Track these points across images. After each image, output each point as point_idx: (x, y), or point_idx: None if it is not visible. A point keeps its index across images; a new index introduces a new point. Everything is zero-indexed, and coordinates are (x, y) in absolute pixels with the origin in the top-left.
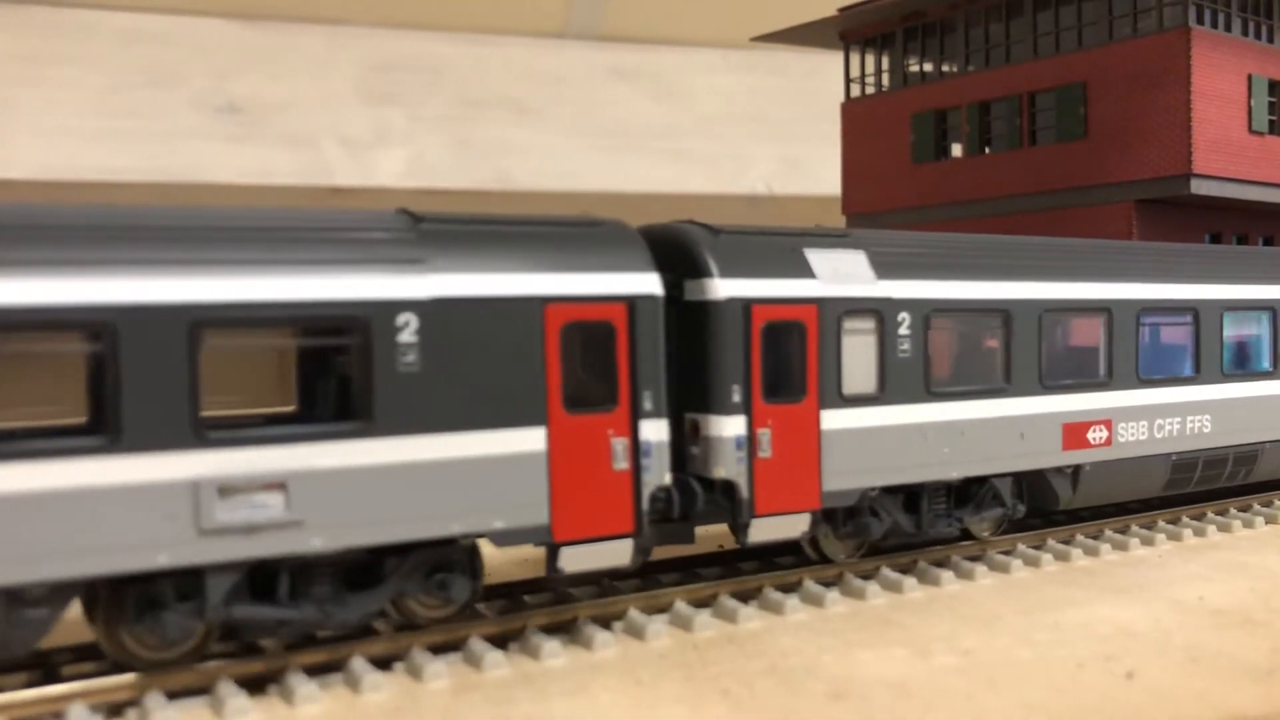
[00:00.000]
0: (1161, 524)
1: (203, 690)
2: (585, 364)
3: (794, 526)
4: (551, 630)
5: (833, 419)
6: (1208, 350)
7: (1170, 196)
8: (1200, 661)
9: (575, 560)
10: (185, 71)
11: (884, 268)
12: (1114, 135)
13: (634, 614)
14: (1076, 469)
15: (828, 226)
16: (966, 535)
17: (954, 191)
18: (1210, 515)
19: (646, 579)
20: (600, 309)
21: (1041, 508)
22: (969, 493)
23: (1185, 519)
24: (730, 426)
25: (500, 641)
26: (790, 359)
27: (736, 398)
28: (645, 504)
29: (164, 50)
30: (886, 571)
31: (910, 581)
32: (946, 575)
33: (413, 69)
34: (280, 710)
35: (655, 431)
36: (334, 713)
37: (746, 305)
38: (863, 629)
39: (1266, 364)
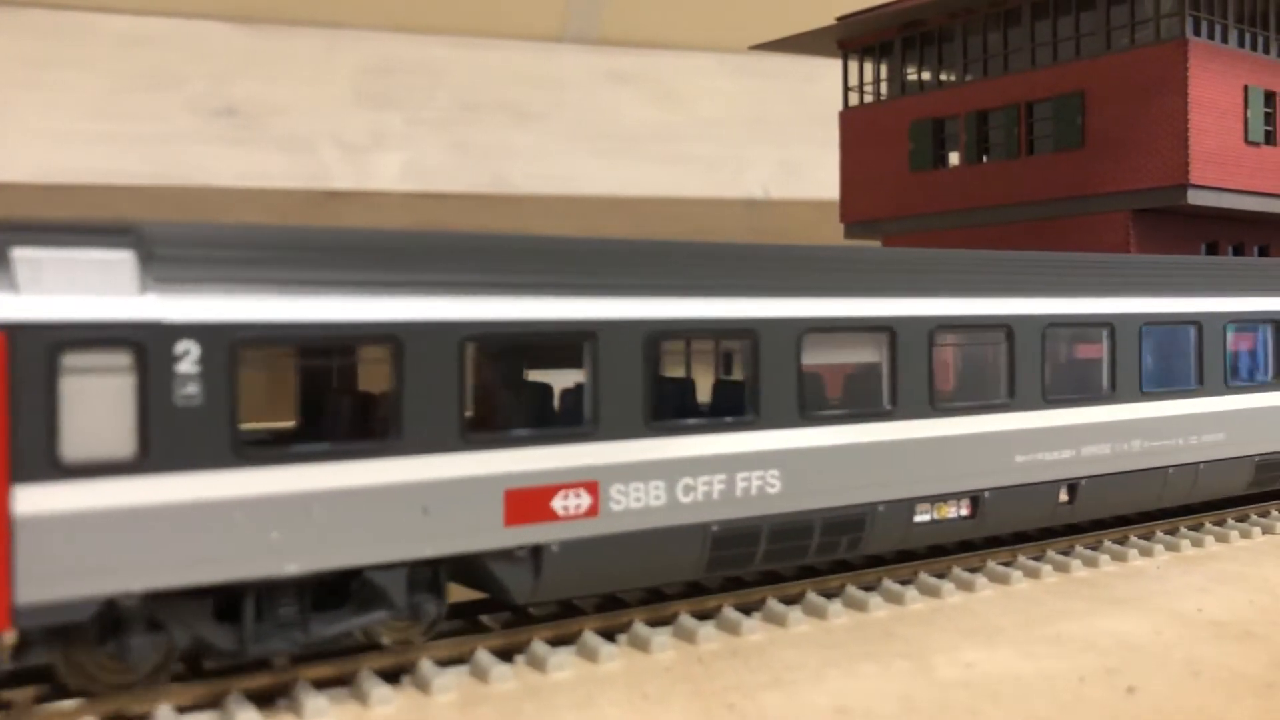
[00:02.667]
0: (1159, 534)
1: (212, 704)
2: None
3: None
4: (556, 643)
5: (40, 497)
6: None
7: (1166, 206)
8: (1201, 675)
9: None
10: (183, 74)
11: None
12: (1111, 145)
13: (639, 626)
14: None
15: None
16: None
17: (951, 200)
18: (1208, 526)
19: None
20: None
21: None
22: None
23: (1183, 529)
24: None
25: (506, 655)
26: None
27: None
28: None
29: (162, 53)
30: (888, 583)
31: (912, 593)
32: (948, 587)
33: (410, 72)
34: None
35: None
36: None
37: None
38: (865, 641)
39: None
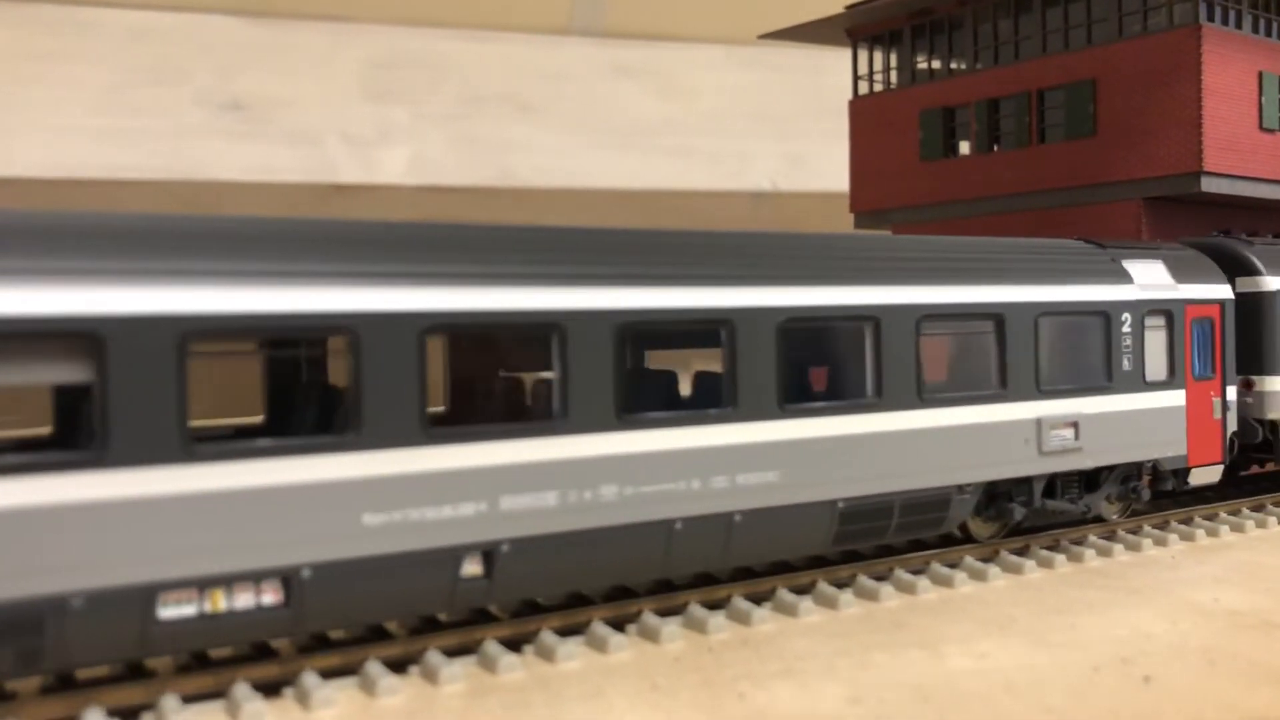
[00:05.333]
0: (1174, 524)
1: (218, 694)
2: None
3: None
4: (565, 633)
5: None
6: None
7: (1180, 195)
8: (1218, 664)
9: None
10: (189, 69)
11: None
12: (1123, 133)
13: (648, 616)
14: None
15: None
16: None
17: (962, 189)
18: (1223, 515)
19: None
20: None
21: None
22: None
23: (1198, 519)
24: None
25: (515, 645)
26: None
27: None
28: None
29: (168, 47)
30: (900, 573)
31: (924, 583)
32: (960, 576)
33: (416, 66)
34: (295, 714)
35: None
36: (349, 716)
37: None
38: (877, 631)
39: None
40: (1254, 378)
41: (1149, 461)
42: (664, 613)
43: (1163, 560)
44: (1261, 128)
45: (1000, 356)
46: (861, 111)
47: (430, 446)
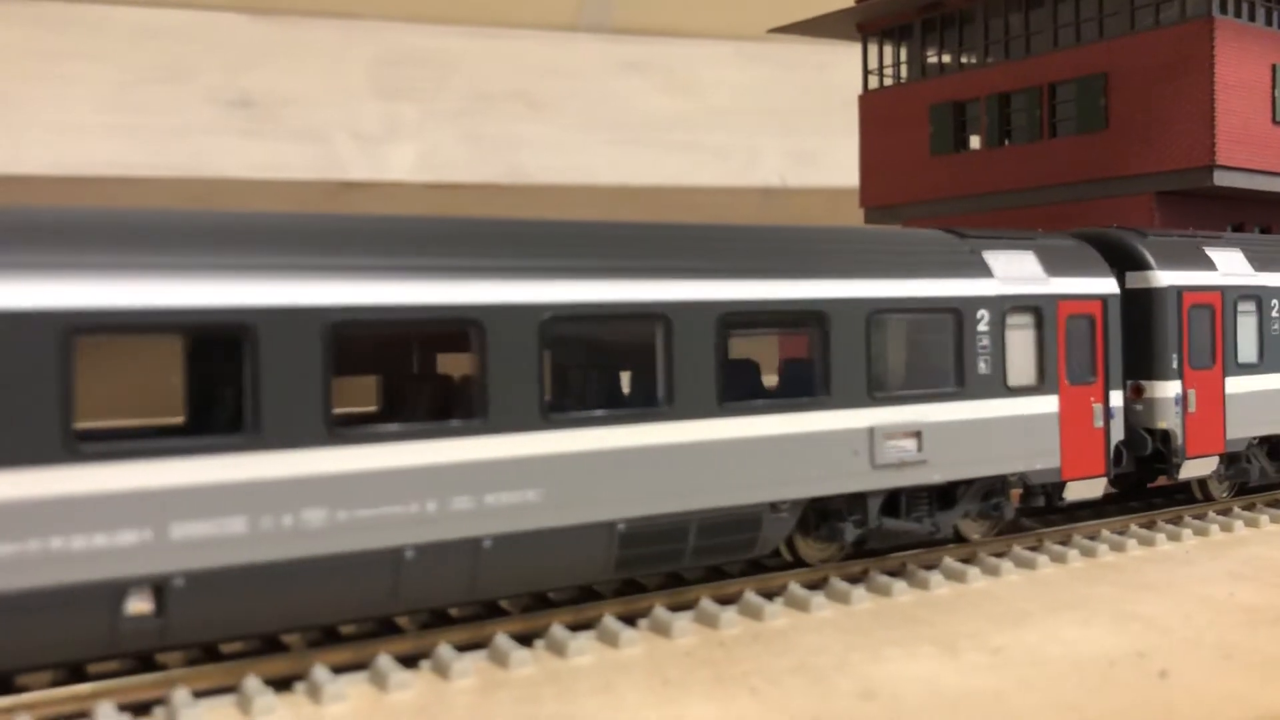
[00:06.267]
0: (1188, 519)
1: (229, 689)
2: None
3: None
4: (576, 628)
5: None
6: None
7: (1192, 188)
8: (1234, 659)
9: None
10: (197, 66)
11: None
12: (1135, 127)
13: (659, 611)
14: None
15: None
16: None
17: (972, 184)
18: (1237, 510)
19: (671, 576)
20: None
21: None
22: None
23: (1212, 514)
24: None
25: (526, 639)
26: None
27: None
28: None
29: (176, 45)
30: (913, 568)
31: (937, 578)
32: (973, 571)
33: (424, 63)
34: (307, 709)
35: None
36: (361, 711)
37: None
38: (890, 626)
39: None
40: (1144, 383)
41: (1013, 475)
42: (675, 607)
43: (1177, 555)
44: (1275, 121)
45: (823, 359)
46: (871, 106)
47: (75, 466)
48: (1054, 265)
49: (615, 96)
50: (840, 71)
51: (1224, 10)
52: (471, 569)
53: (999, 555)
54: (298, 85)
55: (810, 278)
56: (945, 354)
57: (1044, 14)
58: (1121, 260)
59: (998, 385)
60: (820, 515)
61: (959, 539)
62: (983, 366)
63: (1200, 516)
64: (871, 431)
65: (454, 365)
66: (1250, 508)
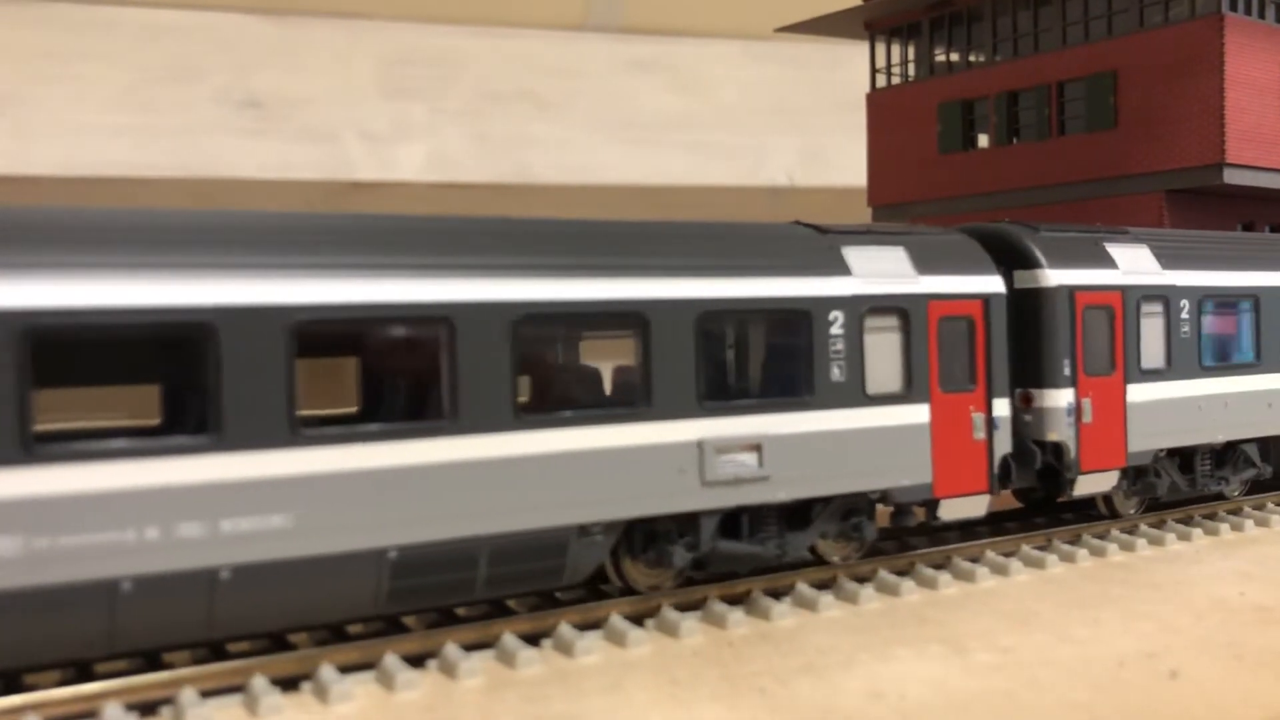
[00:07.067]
0: (1198, 518)
1: (237, 688)
2: None
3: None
4: (584, 627)
5: None
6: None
7: (1202, 187)
8: (1245, 659)
9: None
10: (206, 67)
11: None
12: (1144, 125)
13: (667, 611)
14: None
15: None
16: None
17: (981, 182)
18: (1248, 510)
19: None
20: None
21: None
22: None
23: (1222, 513)
24: None
25: (533, 639)
26: None
27: None
28: None
29: (185, 46)
30: (921, 568)
31: (945, 577)
32: (981, 571)
33: (432, 63)
34: (314, 708)
35: None
36: (368, 710)
37: None
38: (898, 626)
39: None
40: (1033, 391)
41: (875, 492)
42: (683, 607)
43: (1186, 555)
44: None
45: (644, 366)
46: (879, 105)
47: None
48: (927, 262)
49: (623, 96)
50: (850, 70)
51: (1234, 7)
52: (206, 604)
53: (1008, 555)
54: (306, 85)
55: (627, 276)
56: (792, 360)
57: (1052, 11)
58: (1011, 258)
59: (855, 393)
60: (649, 538)
61: (818, 561)
62: (836, 373)
63: (1210, 516)
64: (701, 445)
65: (182, 376)
66: (1260, 507)
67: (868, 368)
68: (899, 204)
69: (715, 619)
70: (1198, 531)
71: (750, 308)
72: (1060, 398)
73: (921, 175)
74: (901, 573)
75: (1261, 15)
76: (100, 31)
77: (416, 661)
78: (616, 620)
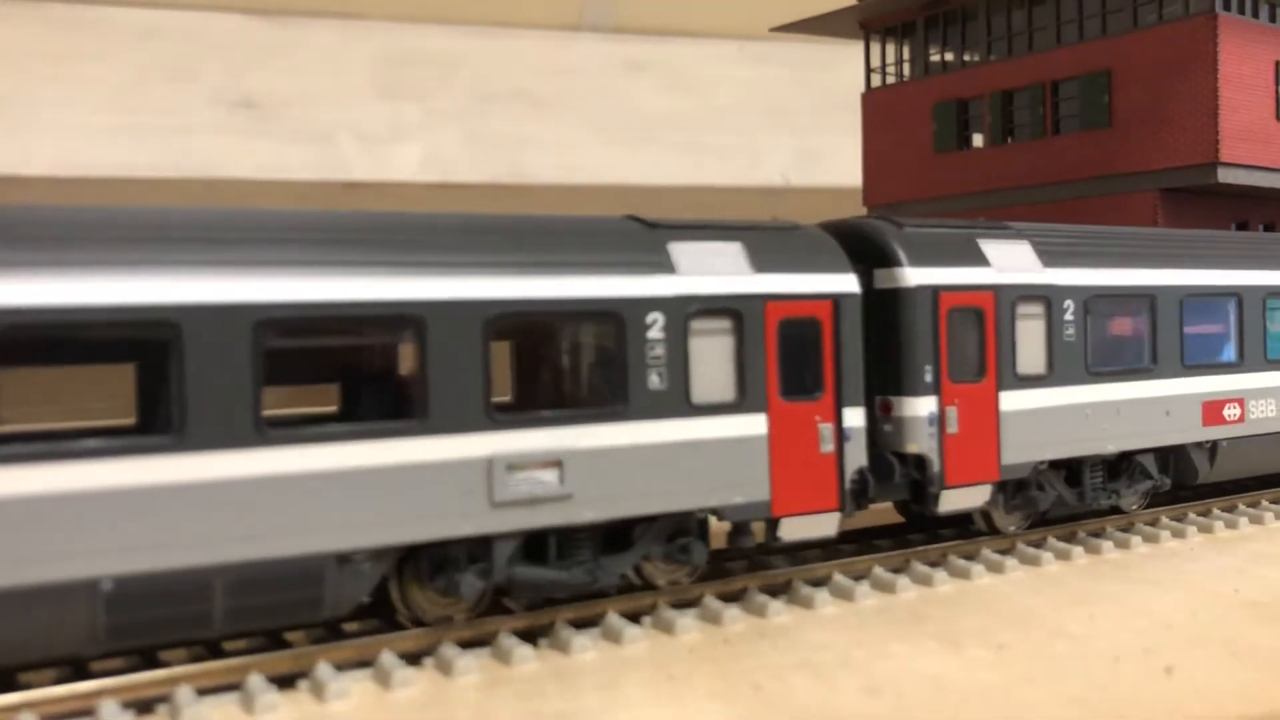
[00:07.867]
0: (1192, 516)
1: (233, 686)
2: None
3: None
4: (580, 625)
5: None
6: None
7: (1196, 185)
8: (1239, 655)
9: None
10: (201, 67)
11: None
12: (1139, 124)
13: (663, 608)
14: None
15: None
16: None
17: (976, 181)
18: (1242, 507)
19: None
20: None
21: None
22: None
23: (1216, 511)
24: None
25: (529, 636)
26: None
27: None
28: None
29: (180, 46)
30: (917, 565)
31: (941, 575)
32: (977, 568)
33: (427, 63)
34: (310, 706)
35: None
36: (364, 708)
37: None
38: (894, 623)
39: None
40: (893, 399)
41: (703, 511)
42: (679, 605)
43: (1181, 552)
44: (1279, 117)
45: (420, 374)
46: (874, 105)
47: None
48: (766, 260)
49: (618, 96)
50: (845, 70)
51: (1227, 7)
52: None
53: (1004, 552)
54: (301, 85)
55: (398, 273)
56: (602, 366)
57: (1047, 10)
58: (873, 255)
59: (677, 403)
60: (438, 565)
61: (646, 586)
62: (655, 381)
63: (1205, 514)
64: (490, 462)
65: None
66: (1255, 505)
67: (693, 374)
68: (894, 204)
69: (712, 616)
70: (1192, 529)
71: (552, 309)
72: (921, 406)
73: (917, 175)
74: (897, 570)
75: (1255, 14)
76: (94, 31)
77: (413, 659)
78: (613, 618)
